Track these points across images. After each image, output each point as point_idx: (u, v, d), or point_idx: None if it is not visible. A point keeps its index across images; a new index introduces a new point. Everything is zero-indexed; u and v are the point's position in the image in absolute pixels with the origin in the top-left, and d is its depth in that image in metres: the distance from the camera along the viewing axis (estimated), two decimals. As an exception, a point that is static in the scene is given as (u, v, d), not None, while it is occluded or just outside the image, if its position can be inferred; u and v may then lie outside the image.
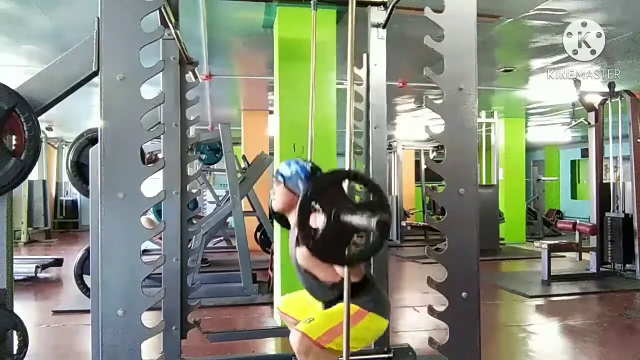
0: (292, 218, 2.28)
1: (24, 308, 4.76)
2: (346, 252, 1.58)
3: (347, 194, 1.62)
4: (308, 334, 1.97)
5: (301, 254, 2.10)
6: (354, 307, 2.00)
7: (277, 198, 2.28)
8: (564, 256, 7.46)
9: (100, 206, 1.73)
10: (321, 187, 1.58)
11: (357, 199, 2.02)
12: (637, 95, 5.96)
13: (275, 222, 4.32)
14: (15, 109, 1.85)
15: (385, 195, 1.67)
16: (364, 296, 2.08)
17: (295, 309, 2.39)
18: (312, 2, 2.70)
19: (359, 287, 2.07)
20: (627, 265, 5.99)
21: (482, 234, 1.80)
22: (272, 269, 4.73)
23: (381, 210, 1.55)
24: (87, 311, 2.40)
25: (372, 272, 2.74)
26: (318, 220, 1.55)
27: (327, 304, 2.17)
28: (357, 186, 1.93)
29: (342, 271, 1.89)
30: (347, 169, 1.68)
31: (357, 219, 1.48)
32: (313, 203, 1.53)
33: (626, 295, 5.33)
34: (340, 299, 2.02)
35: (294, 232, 2.22)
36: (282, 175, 2.26)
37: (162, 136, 2.59)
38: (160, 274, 2.68)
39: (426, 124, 1.79)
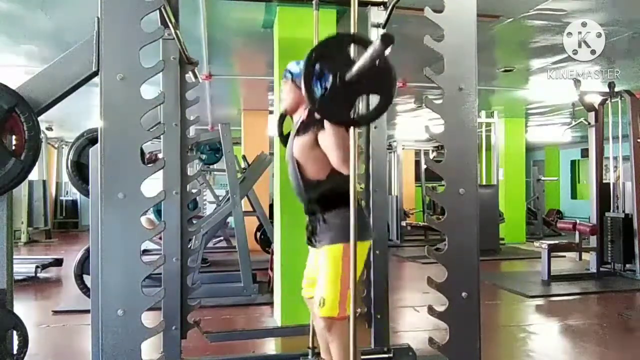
0: (297, 116, 2.30)
1: (24, 308, 4.77)
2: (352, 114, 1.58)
3: (352, 57, 1.59)
4: (330, 315, 2.11)
5: (298, 144, 2.18)
6: (338, 248, 2.11)
7: (285, 96, 2.29)
8: (564, 256, 7.46)
9: (100, 206, 1.73)
10: (325, 48, 1.55)
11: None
12: (637, 95, 5.96)
13: (274, 216, 4.35)
14: (15, 109, 1.85)
15: (391, 66, 1.62)
16: (339, 219, 2.11)
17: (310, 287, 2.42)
18: (313, 2, 2.70)
19: (341, 197, 2.07)
20: (627, 265, 5.98)
21: (482, 234, 1.80)
22: (272, 269, 4.72)
23: (386, 77, 1.54)
24: (87, 311, 2.40)
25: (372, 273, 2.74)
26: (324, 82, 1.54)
27: (308, 208, 2.25)
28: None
29: (331, 167, 2.03)
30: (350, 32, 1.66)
31: (359, 62, 1.44)
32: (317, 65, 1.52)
33: (626, 295, 5.33)
34: (320, 200, 2.18)
35: (295, 127, 2.27)
36: (291, 72, 2.26)
37: (162, 136, 2.59)
38: (160, 274, 2.68)
39: (426, 124, 1.79)
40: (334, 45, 1.57)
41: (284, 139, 2.49)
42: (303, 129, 2.18)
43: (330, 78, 1.52)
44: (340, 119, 1.62)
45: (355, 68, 1.47)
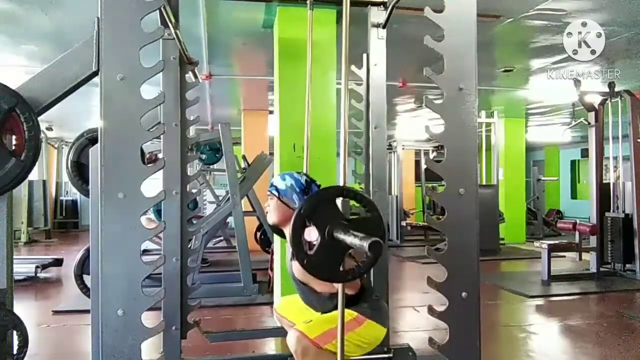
0: (288, 231, 2.27)
1: (24, 308, 4.77)
2: (340, 269, 1.57)
3: (341, 210, 1.61)
4: (306, 333, 1.99)
5: (297, 267, 2.11)
6: (352, 314, 2.05)
7: (271, 212, 2.28)
8: (564, 256, 7.46)
9: (100, 206, 1.73)
10: (314, 205, 1.57)
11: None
12: (637, 95, 5.96)
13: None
14: (15, 109, 1.85)
15: (378, 211, 1.65)
16: (362, 304, 2.11)
17: (293, 312, 2.39)
18: (308, 2, 2.70)
19: (357, 297, 2.12)
20: (627, 265, 5.99)
21: (482, 234, 1.80)
22: (272, 269, 4.73)
23: (375, 228, 1.55)
24: (87, 311, 2.40)
25: (371, 278, 2.73)
26: (312, 235, 1.54)
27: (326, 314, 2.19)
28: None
29: (338, 285, 1.94)
30: (340, 185, 1.68)
31: (350, 239, 1.46)
32: (306, 221, 1.53)
33: (626, 295, 5.33)
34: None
35: (289, 248, 2.23)
36: (277, 189, 2.25)
37: (162, 136, 2.59)
38: (160, 274, 2.68)
39: (426, 124, 1.79)
40: (323, 201, 1.59)
41: (276, 229, 2.48)
42: None
43: (318, 234, 1.53)
44: (329, 276, 1.63)
45: (344, 241, 1.48)
